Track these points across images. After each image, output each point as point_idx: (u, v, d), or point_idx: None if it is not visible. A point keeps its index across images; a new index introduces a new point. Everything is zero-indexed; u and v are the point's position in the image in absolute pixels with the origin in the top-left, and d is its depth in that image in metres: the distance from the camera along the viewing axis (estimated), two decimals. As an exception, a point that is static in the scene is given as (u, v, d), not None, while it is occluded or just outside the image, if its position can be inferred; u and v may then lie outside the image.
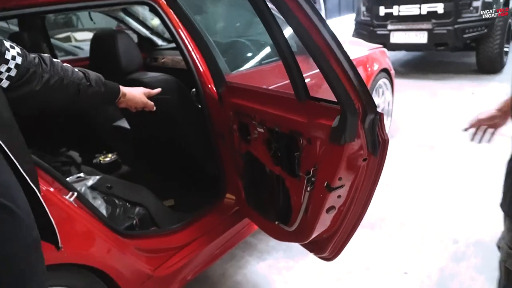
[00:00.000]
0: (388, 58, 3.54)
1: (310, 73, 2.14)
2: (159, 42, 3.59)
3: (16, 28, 2.85)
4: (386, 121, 3.65)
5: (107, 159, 2.45)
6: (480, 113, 1.45)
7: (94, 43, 1.94)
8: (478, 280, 1.99)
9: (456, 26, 5.09)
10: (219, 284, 2.15)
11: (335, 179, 1.28)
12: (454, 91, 4.96)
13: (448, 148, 3.46)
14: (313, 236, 1.51)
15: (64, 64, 1.19)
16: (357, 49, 3.32)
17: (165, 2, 1.80)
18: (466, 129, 1.50)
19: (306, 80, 1.38)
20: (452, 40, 5.17)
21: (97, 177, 1.84)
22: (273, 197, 1.68)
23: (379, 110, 3.60)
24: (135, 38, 3.30)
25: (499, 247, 1.35)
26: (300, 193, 1.45)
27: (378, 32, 5.75)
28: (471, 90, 4.92)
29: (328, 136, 1.24)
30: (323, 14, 8.72)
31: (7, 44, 1.01)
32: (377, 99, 3.48)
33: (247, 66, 2.42)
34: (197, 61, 1.88)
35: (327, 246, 1.61)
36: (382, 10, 5.69)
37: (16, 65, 1.01)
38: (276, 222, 1.67)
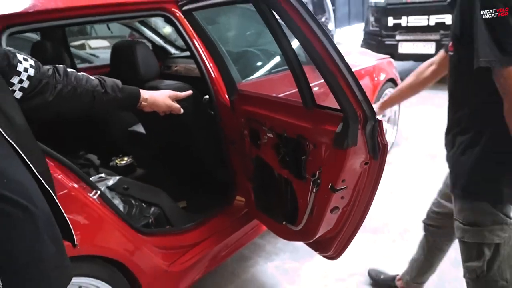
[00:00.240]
0: (395, 68, 3.63)
1: (316, 83, 2.25)
2: (172, 50, 3.73)
3: (38, 37, 3.00)
4: (392, 130, 3.74)
5: (123, 162, 2.57)
6: None
7: (114, 53, 2.06)
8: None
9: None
10: (228, 282, 2.26)
11: (339, 181, 1.39)
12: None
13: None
14: (318, 235, 1.61)
15: (80, 73, 1.21)
16: (364, 59, 3.43)
17: (181, 14, 1.92)
18: None
19: (314, 89, 1.49)
20: (459, 51, 5.23)
21: (117, 177, 1.95)
22: (281, 199, 1.78)
23: (385, 119, 3.70)
24: (149, 46, 3.42)
25: (426, 225, 1.80)
26: (306, 195, 1.56)
27: (387, 42, 5.85)
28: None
29: (332, 141, 1.35)
30: (332, 23, 8.83)
31: (20, 57, 1.05)
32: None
33: (257, 75, 2.53)
34: (210, 69, 2.00)
35: (331, 246, 1.71)
36: (391, 21, 5.80)
37: (29, 77, 1.04)
38: (284, 223, 1.77)
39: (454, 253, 2.26)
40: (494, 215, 1.31)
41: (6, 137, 0.80)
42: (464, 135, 1.31)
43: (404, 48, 5.70)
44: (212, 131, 2.08)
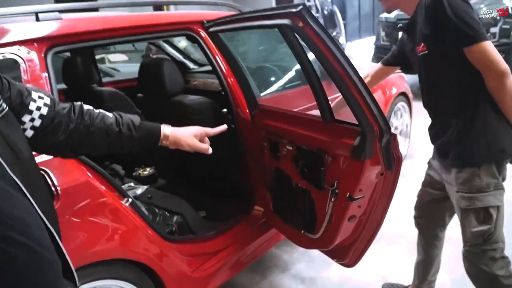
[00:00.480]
0: (406, 82, 3.72)
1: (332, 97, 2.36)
2: (191, 65, 3.87)
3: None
4: (405, 143, 3.82)
5: (146, 172, 2.69)
6: None
7: (143, 69, 2.19)
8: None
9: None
10: (246, 290, 2.34)
11: (356, 190, 1.49)
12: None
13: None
14: (336, 242, 1.70)
15: (97, 110, 1.17)
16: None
17: (205, 34, 2.04)
18: None
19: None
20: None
21: (145, 187, 2.06)
22: (299, 208, 1.87)
23: (397, 132, 3.77)
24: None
25: (417, 218, 1.99)
26: (324, 204, 1.65)
27: (397, 56, 5.94)
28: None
29: (350, 153, 1.45)
30: (343, 37, 8.97)
31: (35, 95, 1.02)
32: (395, 122, 3.66)
33: (271, 90, 2.64)
34: (232, 85, 2.11)
35: (348, 253, 1.79)
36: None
37: (41, 116, 1.01)
38: (302, 231, 1.86)
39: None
40: (496, 179, 1.51)
41: (11, 174, 0.78)
42: (458, 116, 1.51)
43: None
44: (231, 143, 2.18)
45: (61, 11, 1.63)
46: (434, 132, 1.67)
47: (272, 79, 2.94)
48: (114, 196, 1.55)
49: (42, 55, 1.51)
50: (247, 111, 2.05)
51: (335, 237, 1.66)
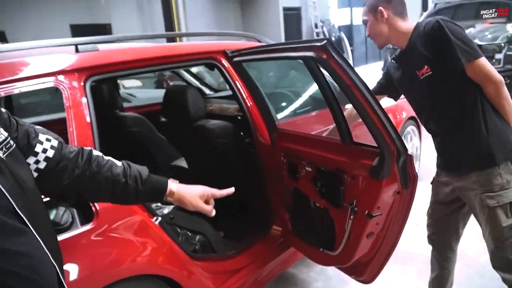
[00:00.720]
0: (415, 107, 3.82)
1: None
2: (206, 91, 4.02)
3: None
4: (415, 165, 3.89)
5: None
6: None
7: (167, 96, 2.31)
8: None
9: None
10: (266, 308, 2.39)
11: (375, 208, 1.58)
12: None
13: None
14: (355, 258, 1.78)
15: (107, 157, 1.16)
16: (387, 99, 3.64)
17: (226, 62, 2.18)
18: None
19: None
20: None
21: (171, 206, 2.16)
22: (318, 227, 1.96)
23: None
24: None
25: (431, 235, 2.07)
26: (343, 222, 1.74)
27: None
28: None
29: (369, 173, 1.55)
30: (351, 62, 9.15)
31: (43, 137, 1.02)
32: (405, 145, 3.75)
33: (286, 113, 2.76)
34: (251, 110, 2.23)
35: (366, 270, 1.87)
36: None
37: (46, 158, 1.01)
38: (321, 249, 1.94)
39: (480, 281, 2.39)
40: None
41: (18, 210, 0.80)
42: (464, 126, 1.64)
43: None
44: (251, 166, 2.28)
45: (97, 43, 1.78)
46: (442, 147, 1.79)
47: (284, 104, 3.06)
48: (146, 215, 1.65)
49: (82, 84, 1.65)
50: (266, 135, 2.16)
51: (354, 253, 1.74)
